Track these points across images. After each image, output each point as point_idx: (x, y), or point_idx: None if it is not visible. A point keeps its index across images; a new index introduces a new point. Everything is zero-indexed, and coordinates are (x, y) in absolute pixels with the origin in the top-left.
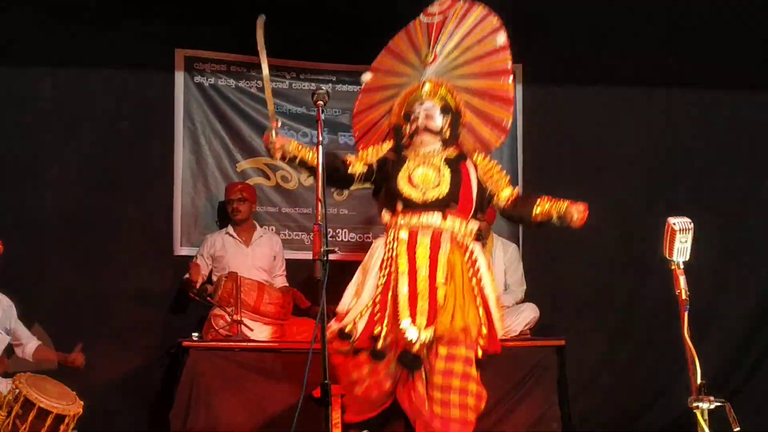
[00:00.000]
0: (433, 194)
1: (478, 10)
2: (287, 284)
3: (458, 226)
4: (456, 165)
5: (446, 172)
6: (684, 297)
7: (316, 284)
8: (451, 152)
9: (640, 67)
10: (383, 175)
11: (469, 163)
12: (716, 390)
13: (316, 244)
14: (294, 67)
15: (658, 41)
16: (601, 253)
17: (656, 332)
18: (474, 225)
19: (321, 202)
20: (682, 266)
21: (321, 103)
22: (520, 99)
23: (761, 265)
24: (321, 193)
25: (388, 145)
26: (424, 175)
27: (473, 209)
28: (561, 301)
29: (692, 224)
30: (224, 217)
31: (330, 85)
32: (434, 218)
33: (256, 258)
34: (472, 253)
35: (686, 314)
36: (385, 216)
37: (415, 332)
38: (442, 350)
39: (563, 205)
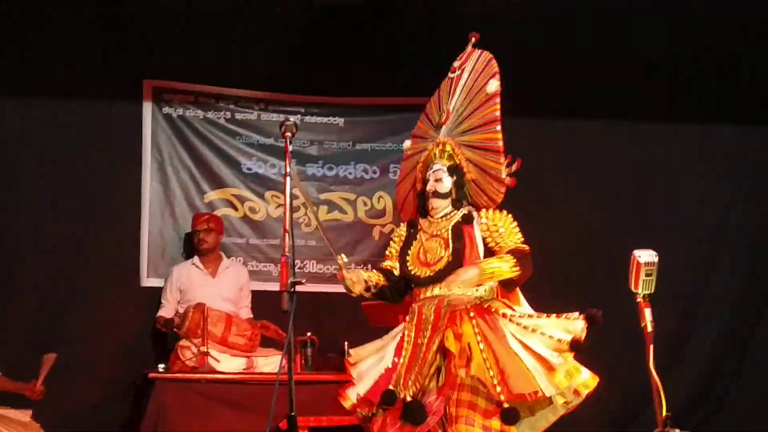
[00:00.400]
0: (435, 268)
1: (485, 56)
2: (252, 315)
3: (463, 292)
4: (460, 231)
5: (450, 242)
6: (650, 329)
7: (283, 316)
8: (459, 215)
9: (608, 98)
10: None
11: (475, 224)
12: (685, 420)
13: (283, 275)
14: (262, 98)
15: (625, 74)
16: (569, 284)
17: (624, 363)
18: (485, 285)
19: (288, 234)
20: (648, 298)
21: (289, 134)
22: None
23: (728, 295)
24: (288, 225)
25: (402, 230)
26: (431, 249)
27: None
28: None
29: (657, 257)
30: (191, 248)
31: (298, 116)
32: (437, 289)
33: (222, 289)
34: (489, 308)
35: (652, 346)
36: (408, 298)
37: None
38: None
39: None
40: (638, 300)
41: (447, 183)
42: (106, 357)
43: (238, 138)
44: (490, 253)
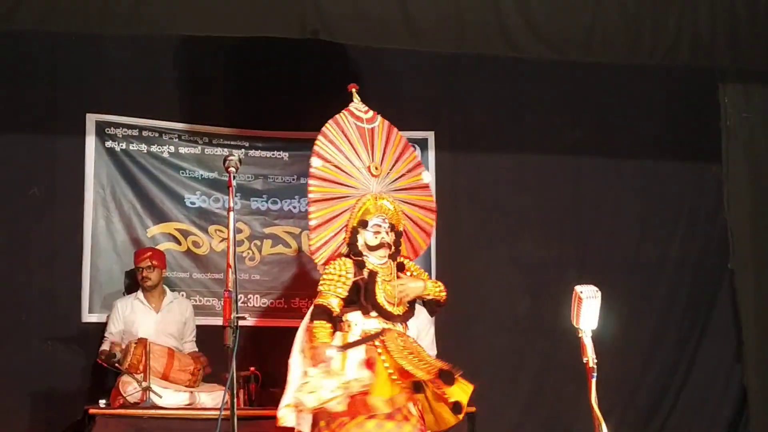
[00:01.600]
0: (401, 310)
1: (398, 135)
2: (197, 349)
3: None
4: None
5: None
6: (591, 364)
7: (226, 351)
8: (394, 264)
9: (550, 134)
10: (358, 295)
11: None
12: None
13: (226, 310)
14: (206, 132)
15: (565, 110)
16: (513, 319)
17: (568, 399)
18: None
19: (231, 269)
20: (589, 333)
21: (232, 169)
22: (432, 166)
23: (667, 330)
24: (232, 260)
25: (347, 268)
26: (390, 291)
27: None
28: (473, 367)
29: (599, 292)
30: (134, 283)
31: (242, 150)
32: (399, 326)
33: (166, 324)
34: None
35: (594, 381)
36: (356, 316)
37: None
38: None
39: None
40: (580, 335)
41: (391, 237)
42: (46, 395)
43: (182, 172)
44: None
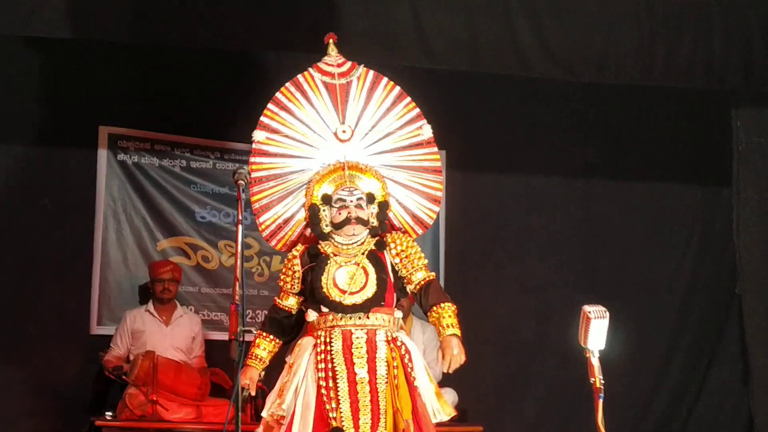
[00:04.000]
0: (361, 297)
1: (388, 85)
2: (205, 365)
3: (387, 320)
4: (377, 259)
5: (371, 271)
6: (599, 385)
7: (233, 365)
8: (372, 241)
9: (560, 156)
10: (309, 284)
11: (386, 251)
12: None
13: (232, 323)
14: (218, 147)
15: (577, 131)
16: (520, 339)
17: (575, 420)
18: (399, 314)
19: (239, 282)
20: (597, 354)
21: (242, 182)
22: (444, 185)
23: (677, 352)
24: (239, 273)
25: (295, 261)
26: (350, 275)
27: (395, 299)
28: (480, 386)
29: (607, 312)
30: (143, 296)
31: None
32: (365, 318)
33: (174, 338)
34: (402, 344)
35: (601, 402)
36: (311, 314)
37: None
38: None
39: (444, 331)
40: (587, 355)
41: (366, 210)
42: (54, 407)
43: (193, 186)
44: (397, 277)
